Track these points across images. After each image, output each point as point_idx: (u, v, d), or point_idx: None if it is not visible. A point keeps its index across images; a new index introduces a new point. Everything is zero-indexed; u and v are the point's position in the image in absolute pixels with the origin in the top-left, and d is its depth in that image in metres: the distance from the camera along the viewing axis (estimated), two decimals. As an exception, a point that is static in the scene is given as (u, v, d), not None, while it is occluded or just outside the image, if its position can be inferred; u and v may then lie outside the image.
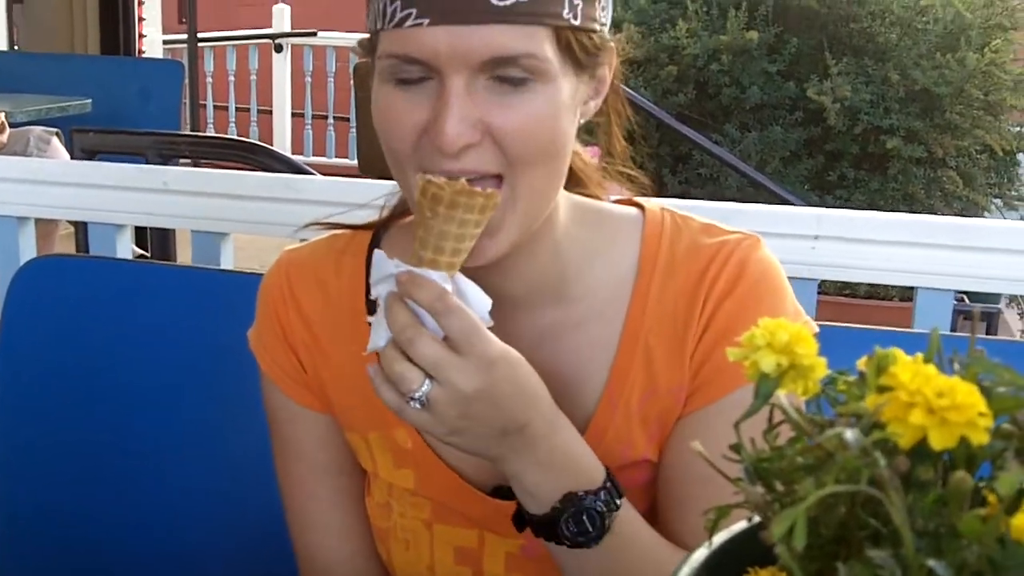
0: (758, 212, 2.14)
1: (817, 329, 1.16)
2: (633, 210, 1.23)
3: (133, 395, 1.79)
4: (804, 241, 2.07)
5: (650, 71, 5.73)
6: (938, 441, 0.52)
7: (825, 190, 5.52)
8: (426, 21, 0.99)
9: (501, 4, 0.99)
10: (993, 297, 4.33)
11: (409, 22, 1.00)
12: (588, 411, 1.17)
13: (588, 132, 1.24)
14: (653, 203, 1.24)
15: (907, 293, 2.19)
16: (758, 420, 0.65)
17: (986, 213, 5.67)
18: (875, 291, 4.68)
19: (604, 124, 1.22)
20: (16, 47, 6.75)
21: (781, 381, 0.63)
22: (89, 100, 4.77)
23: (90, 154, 3.10)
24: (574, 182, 1.22)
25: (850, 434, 0.52)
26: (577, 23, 1.04)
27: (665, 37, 5.67)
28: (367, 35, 1.11)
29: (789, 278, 2.09)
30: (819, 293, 2.16)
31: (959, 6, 5.43)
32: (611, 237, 1.20)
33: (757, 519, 0.61)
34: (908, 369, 0.54)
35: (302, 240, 1.36)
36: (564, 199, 1.17)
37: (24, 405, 1.81)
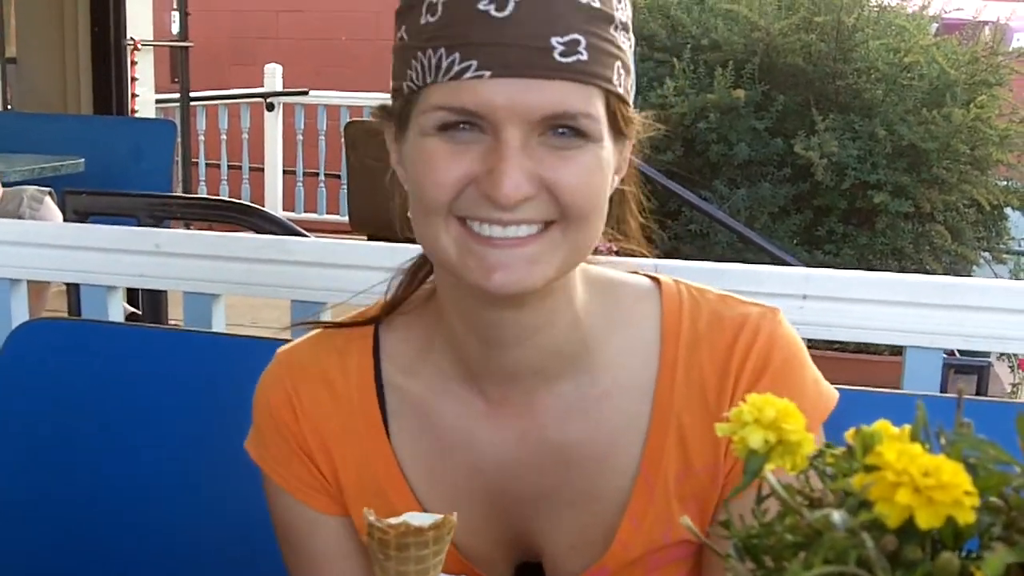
0: (747, 272, 2.15)
1: (836, 395, 1.18)
2: (647, 281, 1.23)
3: (124, 457, 1.79)
4: (792, 300, 2.08)
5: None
6: (925, 521, 0.53)
7: (814, 245, 5.54)
8: (487, 74, 1.00)
9: (564, 61, 1.00)
10: (983, 351, 4.33)
11: (468, 74, 1.00)
12: (625, 491, 1.16)
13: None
14: (664, 275, 1.25)
15: (897, 348, 2.19)
16: (750, 495, 0.65)
17: (975, 267, 5.69)
18: (865, 346, 4.69)
19: (618, 200, 1.20)
20: (9, 107, 6.79)
21: (769, 457, 0.63)
22: (82, 159, 4.78)
23: (83, 215, 3.12)
24: None
25: (837, 515, 0.53)
26: (621, 91, 1.07)
27: (653, 95, 5.71)
28: (393, 95, 1.11)
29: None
30: (808, 347, 2.16)
31: (943, 63, 5.47)
32: (629, 309, 1.19)
33: (747, 595, 0.62)
34: (894, 448, 0.55)
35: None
36: (579, 270, 1.17)
37: (14, 466, 1.81)
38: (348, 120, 7.88)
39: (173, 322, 3.63)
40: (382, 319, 1.25)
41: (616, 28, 1.06)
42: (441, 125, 1.03)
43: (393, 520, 0.92)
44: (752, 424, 0.62)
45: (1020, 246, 5.90)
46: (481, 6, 1.00)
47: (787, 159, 5.58)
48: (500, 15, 0.99)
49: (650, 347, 1.17)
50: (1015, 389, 4.85)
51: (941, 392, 2.15)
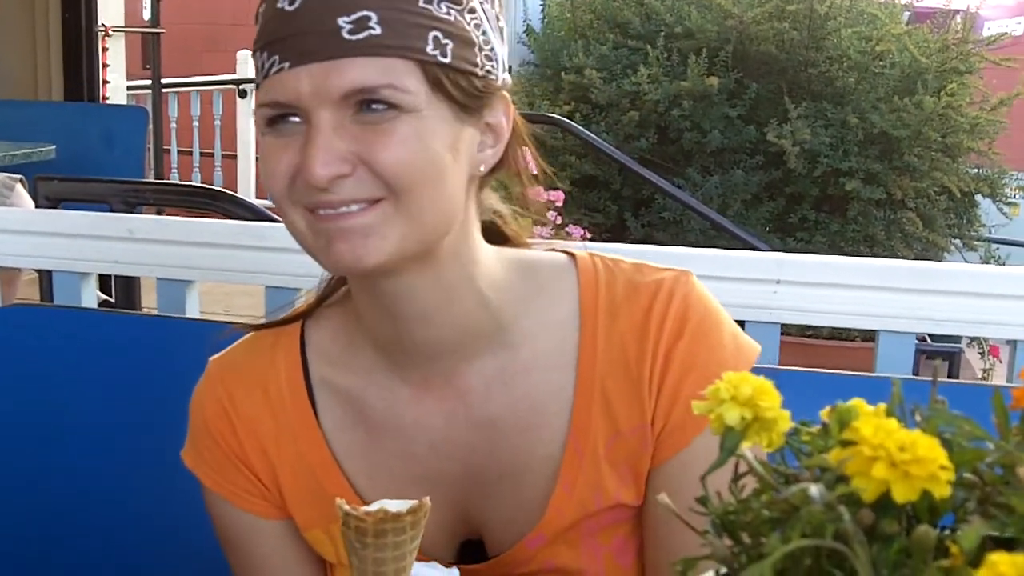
0: (719, 257, 2.16)
1: (759, 347, 1.21)
2: (563, 256, 1.24)
3: (97, 443, 1.78)
4: (765, 286, 2.09)
5: (612, 116, 5.78)
6: (901, 495, 0.53)
7: (786, 232, 5.57)
8: (287, 65, 1.03)
9: (354, 38, 1.02)
10: (954, 337, 4.37)
11: (274, 69, 1.04)
12: (555, 460, 1.17)
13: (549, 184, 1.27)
14: (578, 249, 1.26)
15: (870, 334, 2.20)
16: (726, 471, 0.66)
17: (946, 254, 5.73)
18: (838, 332, 4.72)
19: (512, 174, 1.22)
20: (-22, 95, 6.72)
21: (746, 434, 0.64)
22: (53, 146, 4.74)
23: (54, 202, 3.09)
24: (500, 240, 1.23)
25: (815, 489, 0.53)
26: (447, 61, 1.05)
27: (627, 83, 5.72)
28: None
29: (750, 322, 2.13)
30: (781, 335, 2.17)
31: (915, 51, 5.51)
32: (545, 283, 1.21)
33: (724, 571, 0.62)
34: (870, 423, 0.55)
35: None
36: (490, 251, 1.18)
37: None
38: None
39: (147, 310, 3.61)
40: (309, 315, 1.26)
41: (430, 0, 1.05)
42: (267, 122, 1.06)
43: (370, 507, 0.92)
44: (729, 401, 0.63)
45: (991, 233, 5.95)
46: (279, 4, 1.05)
47: (760, 147, 5.60)
48: (291, 8, 1.04)
49: (570, 319, 1.19)
50: (986, 375, 4.89)
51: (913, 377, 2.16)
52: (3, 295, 2.61)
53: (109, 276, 3.93)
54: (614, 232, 5.72)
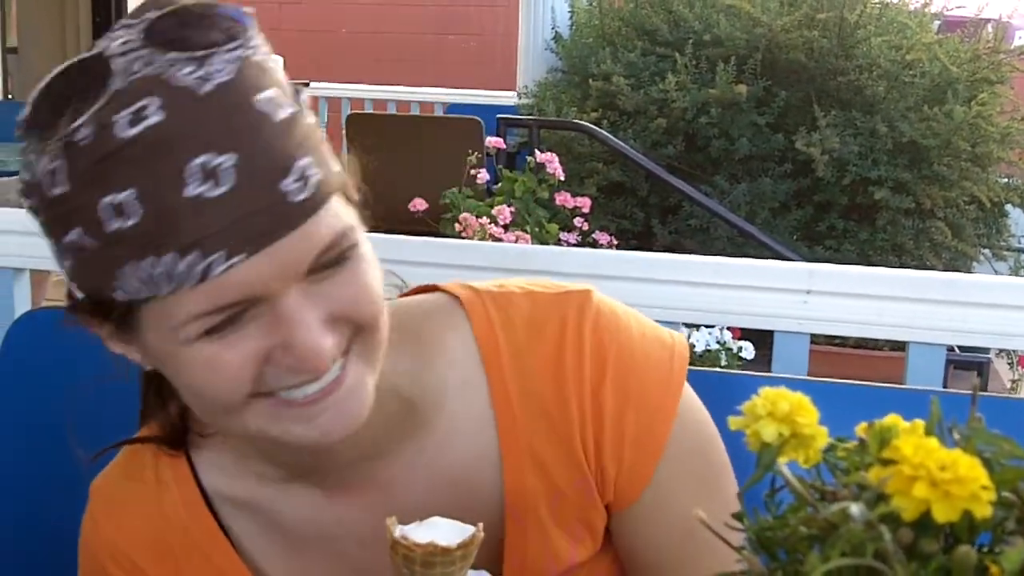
0: (750, 266, 2.15)
1: (683, 338, 1.14)
2: (445, 300, 1.12)
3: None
4: (796, 295, 2.08)
5: (640, 123, 5.77)
6: (942, 514, 0.53)
7: (814, 241, 5.55)
8: (242, 257, 0.85)
9: (301, 198, 0.87)
10: (983, 348, 4.35)
11: (220, 268, 0.85)
12: (497, 534, 1.08)
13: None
14: (454, 286, 1.13)
15: (898, 344, 2.19)
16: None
17: (975, 264, 5.70)
18: (865, 341, 4.69)
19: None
20: (10, 96, 6.78)
21: (782, 450, 0.63)
22: (82, 150, 4.77)
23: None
24: None
25: (856, 508, 0.53)
26: (344, 176, 0.96)
27: (655, 90, 5.71)
28: (89, 296, 0.93)
29: (780, 332, 2.12)
30: (810, 344, 2.17)
31: (945, 60, 5.48)
32: (436, 340, 1.09)
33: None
34: (911, 442, 0.55)
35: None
36: None
37: (16, 454, 1.81)
38: (349, 112, 7.88)
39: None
40: (185, 443, 1.14)
41: (302, 114, 0.92)
42: (208, 331, 0.89)
43: (420, 538, 0.88)
44: (766, 417, 0.63)
45: (1020, 243, 5.91)
46: (193, 194, 0.84)
47: (788, 155, 5.58)
48: (218, 193, 0.84)
49: (474, 375, 1.08)
50: (1015, 385, 4.86)
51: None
52: (33, 297, 2.62)
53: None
54: (640, 239, 5.71)
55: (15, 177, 3.57)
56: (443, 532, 0.90)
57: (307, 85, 9.47)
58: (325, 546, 1.11)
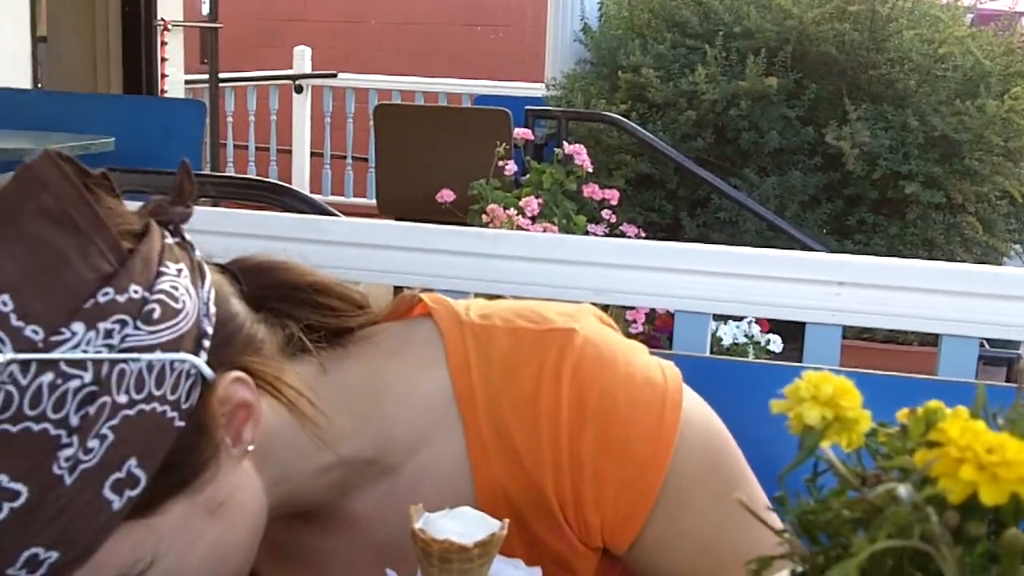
0: (781, 258, 2.14)
1: (677, 371, 1.05)
2: (423, 331, 1.06)
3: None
4: (828, 287, 2.07)
5: (669, 115, 5.76)
6: (989, 497, 0.52)
7: (844, 235, 5.53)
8: None
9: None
10: (1015, 343, 4.32)
11: None
12: None
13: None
14: (441, 311, 1.07)
15: (927, 338, 2.18)
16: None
17: (1006, 259, 5.67)
18: (895, 336, 4.67)
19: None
20: (40, 86, 6.81)
21: (825, 434, 0.63)
22: (112, 139, 4.79)
23: (115, 193, 3.11)
24: (336, 332, 1.04)
25: (903, 489, 0.52)
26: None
27: (684, 82, 5.69)
28: None
29: (812, 324, 2.10)
30: (841, 336, 2.15)
31: (978, 54, 5.44)
32: (410, 388, 1.03)
33: (800, 571, 0.61)
34: (957, 425, 0.54)
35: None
36: (332, 404, 0.99)
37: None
38: (376, 103, 7.89)
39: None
40: None
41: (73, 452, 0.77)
42: None
43: (440, 529, 0.86)
44: (809, 401, 0.62)
45: (1052, 239, 5.87)
46: None
47: (818, 148, 5.56)
48: None
49: (448, 418, 1.02)
50: (1045, 381, 4.82)
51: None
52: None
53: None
54: (669, 231, 5.70)
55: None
56: (467, 525, 0.89)
57: (335, 76, 9.51)
58: (312, 568, 1.08)
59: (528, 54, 9.88)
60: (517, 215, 4.30)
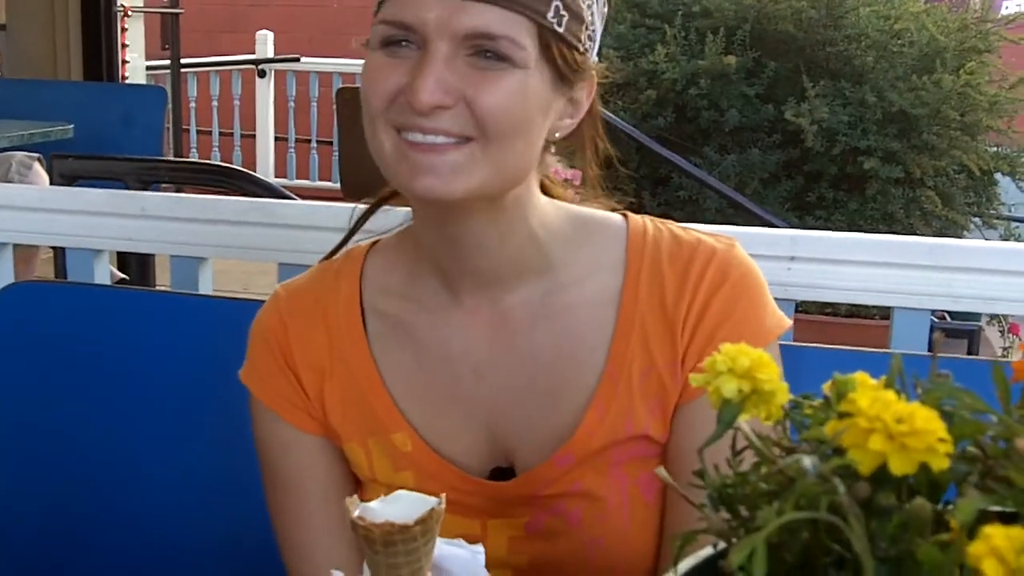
0: (733, 233, 2.14)
1: (789, 322, 1.26)
2: (616, 215, 1.33)
3: (112, 419, 1.79)
4: (780, 262, 2.08)
5: (629, 95, 5.75)
6: (898, 467, 0.53)
7: (804, 211, 5.54)
8: None
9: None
10: (974, 315, 4.34)
11: None
12: (590, 389, 1.24)
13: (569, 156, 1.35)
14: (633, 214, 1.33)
15: (887, 312, 2.19)
16: (726, 445, 0.65)
17: (965, 232, 5.70)
18: (856, 310, 4.70)
19: (579, 150, 1.32)
20: (0, 73, 6.74)
21: (743, 406, 0.63)
22: (71, 125, 4.76)
23: (70, 179, 3.09)
24: (549, 196, 1.31)
25: (808, 461, 0.53)
26: (560, 30, 1.13)
27: (644, 62, 5.68)
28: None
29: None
30: (799, 312, 2.16)
31: (933, 30, 5.46)
32: (594, 232, 1.29)
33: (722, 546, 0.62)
34: (867, 395, 0.55)
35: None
36: (547, 202, 1.27)
37: (2, 429, 1.81)
38: (340, 86, 7.84)
39: (162, 288, 3.62)
40: (372, 245, 1.35)
41: None
42: (384, 40, 1.12)
43: (379, 514, 0.89)
44: (726, 373, 0.62)
45: (1010, 211, 5.91)
46: None
47: (777, 125, 5.56)
48: None
49: (615, 265, 1.27)
50: (1006, 353, 4.86)
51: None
52: (21, 273, 2.62)
53: (128, 255, 3.94)
54: (631, 210, 5.69)
55: (5, 153, 3.56)
56: (404, 508, 0.90)
57: (298, 60, 9.45)
58: (445, 367, 1.27)
59: (490, 35, 9.84)
60: (478, 196, 4.29)
